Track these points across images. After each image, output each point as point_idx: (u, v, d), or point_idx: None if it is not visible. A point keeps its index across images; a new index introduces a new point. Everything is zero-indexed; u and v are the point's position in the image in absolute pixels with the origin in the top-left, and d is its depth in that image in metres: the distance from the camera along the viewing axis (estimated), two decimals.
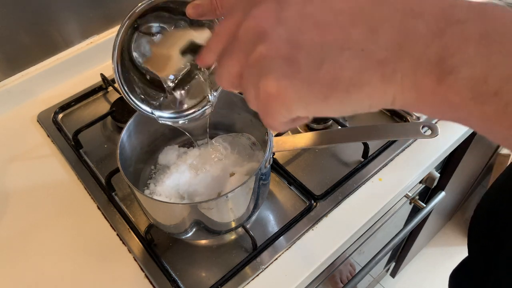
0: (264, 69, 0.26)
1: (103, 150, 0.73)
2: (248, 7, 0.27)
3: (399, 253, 1.36)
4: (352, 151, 0.70)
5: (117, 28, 0.88)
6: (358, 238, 0.69)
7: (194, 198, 0.59)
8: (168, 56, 0.40)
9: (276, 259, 0.59)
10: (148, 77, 0.48)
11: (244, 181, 0.50)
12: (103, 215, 0.64)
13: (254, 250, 0.58)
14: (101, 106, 0.81)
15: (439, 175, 0.81)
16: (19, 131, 0.78)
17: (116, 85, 0.45)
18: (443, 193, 0.86)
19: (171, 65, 0.41)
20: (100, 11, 0.85)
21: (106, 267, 0.59)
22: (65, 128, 0.76)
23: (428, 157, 0.69)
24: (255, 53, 0.26)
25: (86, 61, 0.86)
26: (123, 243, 0.61)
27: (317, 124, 0.74)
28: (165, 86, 0.48)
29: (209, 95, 0.51)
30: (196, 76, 0.49)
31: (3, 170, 0.72)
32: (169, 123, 0.52)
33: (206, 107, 0.52)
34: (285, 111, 0.26)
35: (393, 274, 1.53)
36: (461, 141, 0.74)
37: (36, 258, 0.61)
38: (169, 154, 0.65)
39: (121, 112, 0.75)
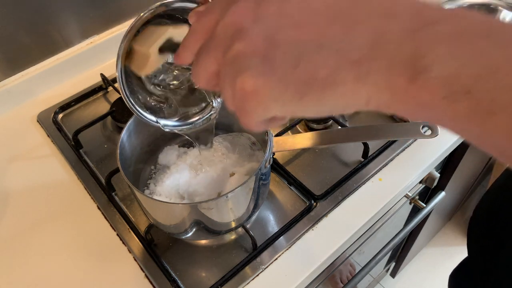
0: (241, 67, 0.25)
1: (103, 150, 0.73)
2: (226, 5, 0.27)
3: (399, 253, 1.36)
4: (352, 151, 0.70)
5: (117, 28, 0.89)
6: (358, 238, 0.69)
7: (194, 198, 0.59)
8: (146, 55, 0.39)
9: (276, 259, 0.59)
10: (151, 85, 0.48)
11: (244, 181, 0.50)
12: (103, 215, 0.64)
13: (254, 250, 0.58)
14: (101, 106, 0.81)
15: (439, 175, 0.81)
16: (19, 131, 0.78)
17: (117, 86, 0.45)
18: (443, 193, 0.86)
19: (149, 64, 0.40)
20: (100, 11, 0.85)
21: (106, 267, 0.59)
22: (65, 128, 0.76)
23: (428, 157, 0.69)
24: (232, 50, 0.26)
25: (86, 61, 0.86)
26: (123, 243, 0.61)
27: (317, 124, 0.74)
28: (147, 87, 0.48)
29: (213, 101, 0.51)
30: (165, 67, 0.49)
31: (3, 170, 0.72)
32: (175, 131, 0.51)
33: (211, 112, 0.52)
34: (262, 109, 0.26)
35: (393, 274, 1.53)
36: (461, 141, 0.74)
37: (36, 258, 0.61)
38: (169, 154, 0.65)
39: (121, 112, 0.75)
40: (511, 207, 0.72)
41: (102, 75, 0.82)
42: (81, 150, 0.72)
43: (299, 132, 0.73)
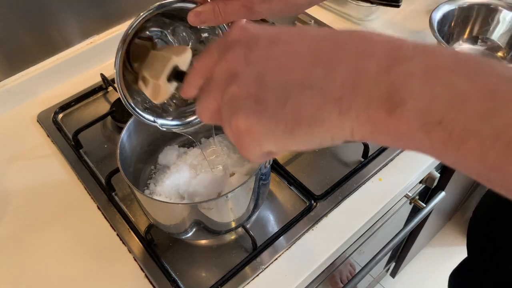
0: (235, 107, 0.28)
1: (103, 150, 0.73)
2: (224, 49, 0.30)
3: (399, 253, 1.36)
4: (352, 151, 0.70)
5: (117, 28, 0.89)
6: (358, 238, 0.69)
7: (194, 198, 0.59)
8: (157, 85, 0.42)
9: (276, 259, 0.59)
10: None
11: (244, 181, 0.50)
12: (103, 215, 0.64)
13: (254, 250, 0.58)
14: (101, 106, 0.81)
15: (439, 175, 0.81)
16: (19, 131, 0.78)
17: (116, 86, 0.45)
18: (443, 193, 0.86)
19: (162, 93, 0.43)
20: (100, 11, 0.85)
21: (106, 267, 0.59)
22: (65, 128, 0.76)
23: (428, 157, 0.69)
24: (227, 93, 0.29)
25: (86, 61, 0.86)
26: (123, 243, 0.61)
27: None
28: (170, 108, 0.49)
29: None
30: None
31: (3, 170, 0.72)
32: (173, 130, 0.51)
33: None
34: (256, 145, 0.28)
35: (393, 274, 1.53)
36: None
37: (36, 258, 0.61)
38: (169, 154, 0.65)
39: (121, 112, 0.75)
40: (511, 208, 0.72)
41: (102, 75, 0.82)
42: (81, 150, 0.72)
43: None
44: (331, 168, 0.68)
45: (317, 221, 0.62)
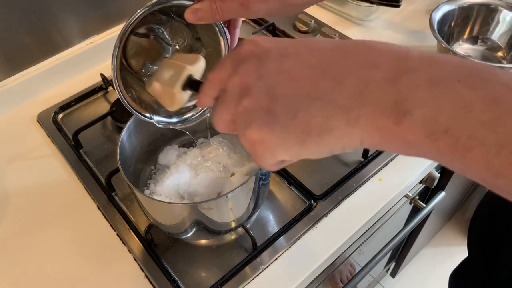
0: (248, 120, 0.29)
1: (103, 150, 0.73)
2: (237, 62, 0.31)
3: (399, 253, 1.36)
4: (352, 151, 0.70)
5: (117, 28, 0.89)
6: (358, 238, 0.69)
7: (194, 198, 0.58)
8: (172, 93, 0.43)
9: (276, 259, 0.59)
10: (145, 82, 0.48)
11: (244, 181, 0.50)
12: (103, 215, 0.64)
13: (254, 250, 0.58)
14: (101, 106, 0.81)
15: (439, 175, 0.81)
16: (19, 131, 0.78)
17: (113, 82, 0.45)
18: (443, 193, 0.86)
19: (177, 101, 0.44)
20: (100, 11, 0.85)
21: (106, 267, 0.59)
22: (65, 128, 0.76)
23: None
24: (240, 106, 0.30)
25: (86, 61, 0.86)
26: (123, 243, 0.61)
27: None
28: (142, 83, 0.48)
29: None
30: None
31: (3, 170, 0.72)
32: (169, 127, 0.51)
33: (205, 108, 0.52)
34: (270, 154, 0.30)
35: (393, 274, 1.53)
36: None
37: (36, 258, 0.61)
38: (169, 154, 0.65)
39: (121, 112, 0.75)
40: None
41: (102, 75, 0.82)
42: (81, 150, 0.72)
43: None
44: (331, 168, 0.68)
45: (317, 221, 0.62)
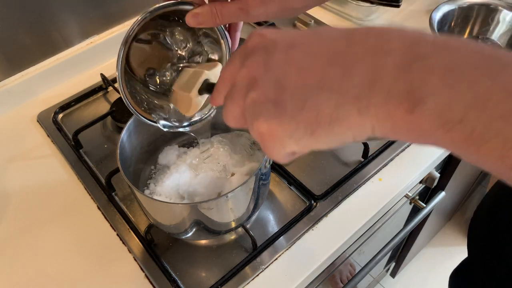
0: (257, 112, 0.29)
1: (103, 150, 0.73)
2: (245, 55, 0.31)
3: (399, 253, 1.36)
4: (352, 151, 0.70)
5: (117, 28, 0.89)
6: (358, 238, 0.69)
7: (194, 198, 0.59)
8: (189, 98, 0.43)
9: (276, 259, 0.59)
10: (150, 86, 0.48)
11: (244, 181, 0.50)
12: (103, 215, 0.64)
13: (254, 250, 0.58)
14: (101, 106, 0.81)
15: (439, 175, 0.81)
16: (19, 131, 0.78)
17: (117, 86, 0.45)
18: (443, 193, 0.86)
19: (194, 106, 0.44)
20: (100, 11, 0.85)
21: (106, 267, 0.59)
22: (65, 128, 0.76)
23: (428, 157, 0.69)
24: (248, 98, 0.30)
25: (86, 61, 0.86)
26: (123, 243, 0.61)
27: None
28: (147, 87, 0.49)
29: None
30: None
31: (3, 170, 0.72)
32: (174, 130, 0.51)
33: (211, 111, 0.52)
34: (279, 146, 0.29)
35: (393, 274, 1.53)
36: None
37: (36, 258, 0.61)
38: (169, 154, 0.65)
39: (121, 112, 0.75)
40: None
41: (102, 75, 0.82)
42: (81, 150, 0.72)
43: None
44: (331, 168, 0.68)
45: (317, 221, 0.62)
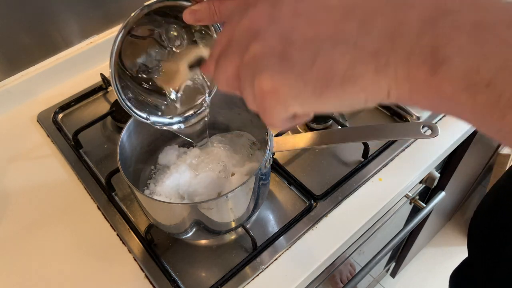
0: (259, 67, 0.26)
1: (103, 150, 0.73)
2: (245, 11, 0.28)
3: (399, 253, 1.36)
4: (352, 151, 0.70)
5: (117, 28, 0.89)
6: (358, 238, 0.69)
7: (194, 198, 0.59)
8: (176, 70, 0.41)
9: (276, 259, 0.59)
10: (143, 83, 0.48)
11: (244, 181, 0.50)
12: (103, 215, 0.64)
13: (254, 250, 0.58)
14: (101, 106, 0.81)
15: (439, 175, 0.81)
16: (19, 131, 0.78)
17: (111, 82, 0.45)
18: (443, 193, 0.86)
19: (178, 78, 0.42)
20: (100, 11, 0.85)
21: (106, 267, 0.59)
22: (65, 128, 0.76)
23: (428, 157, 0.69)
24: (249, 52, 0.26)
25: (86, 61, 0.86)
26: (123, 243, 0.61)
27: (317, 124, 0.74)
28: (169, 98, 0.48)
29: (206, 96, 0.51)
30: (193, 81, 0.49)
31: (3, 170, 0.72)
32: (165, 128, 0.51)
33: (202, 108, 0.52)
34: (282, 107, 0.26)
35: (393, 274, 1.53)
36: (461, 141, 0.74)
37: (36, 258, 0.61)
38: (169, 154, 0.65)
39: (121, 112, 0.75)
40: None
41: (102, 75, 0.82)
42: (81, 150, 0.73)
43: (299, 132, 0.73)
44: (331, 168, 0.68)
45: (317, 221, 0.62)
